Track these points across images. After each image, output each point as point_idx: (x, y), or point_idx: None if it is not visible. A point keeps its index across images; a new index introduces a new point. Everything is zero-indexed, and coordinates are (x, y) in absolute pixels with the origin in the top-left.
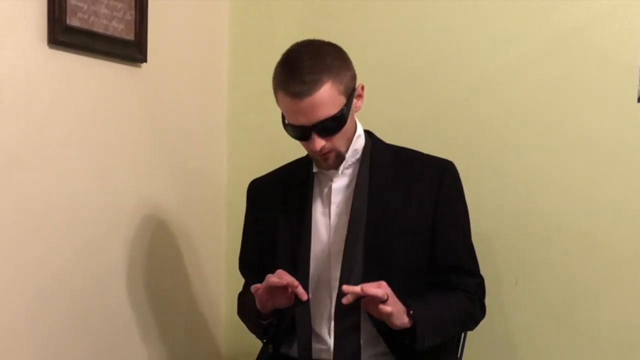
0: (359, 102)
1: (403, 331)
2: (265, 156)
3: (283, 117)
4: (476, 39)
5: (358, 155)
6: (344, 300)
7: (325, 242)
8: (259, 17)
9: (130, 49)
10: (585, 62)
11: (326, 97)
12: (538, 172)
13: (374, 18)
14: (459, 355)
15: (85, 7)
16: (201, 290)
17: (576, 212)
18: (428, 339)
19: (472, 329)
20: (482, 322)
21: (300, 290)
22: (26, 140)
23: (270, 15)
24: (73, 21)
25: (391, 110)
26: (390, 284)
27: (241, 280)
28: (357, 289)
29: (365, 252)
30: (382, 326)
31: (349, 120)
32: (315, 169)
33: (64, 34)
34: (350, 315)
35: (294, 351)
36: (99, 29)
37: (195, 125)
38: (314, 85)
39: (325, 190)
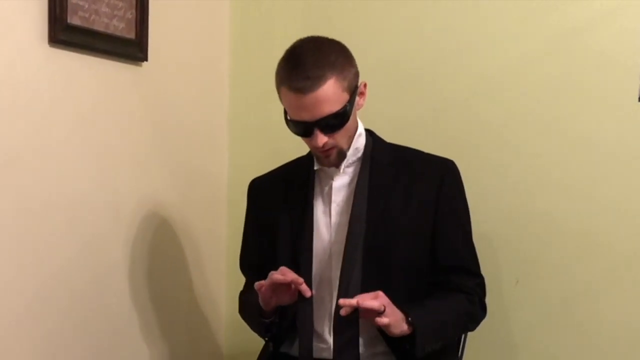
0: (361, 99)
1: (403, 337)
2: (266, 155)
3: (285, 114)
4: (476, 39)
5: (359, 154)
6: (342, 312)
7: (326, 242)
8: (260, 16)
9: (131, 48)
10: (585, 62)
11: (330, 93)
12: (539, 171)
13: (374, 18)
14: (459, 355)
15: (86, 6)
16: (202, 289)
17: (577, 211)
18: (428, 345)
19: (472, 329)
20: (482, 322)
21: (304, 287)
22: (26, 139)
23: (271, 15)
24: (74, 20)
25: (392, 109)
26: (390, 284)
27: (242, 280)
28: (353, 302)
29: (366, 252)
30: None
31: (351, 118)
32: (316, 166)
33: (64, 32)
34: (350, 315)
35: (294, 350)
36: (99, 27)
37: (196, 124)
38: (318, 81)
39: (326, 188)
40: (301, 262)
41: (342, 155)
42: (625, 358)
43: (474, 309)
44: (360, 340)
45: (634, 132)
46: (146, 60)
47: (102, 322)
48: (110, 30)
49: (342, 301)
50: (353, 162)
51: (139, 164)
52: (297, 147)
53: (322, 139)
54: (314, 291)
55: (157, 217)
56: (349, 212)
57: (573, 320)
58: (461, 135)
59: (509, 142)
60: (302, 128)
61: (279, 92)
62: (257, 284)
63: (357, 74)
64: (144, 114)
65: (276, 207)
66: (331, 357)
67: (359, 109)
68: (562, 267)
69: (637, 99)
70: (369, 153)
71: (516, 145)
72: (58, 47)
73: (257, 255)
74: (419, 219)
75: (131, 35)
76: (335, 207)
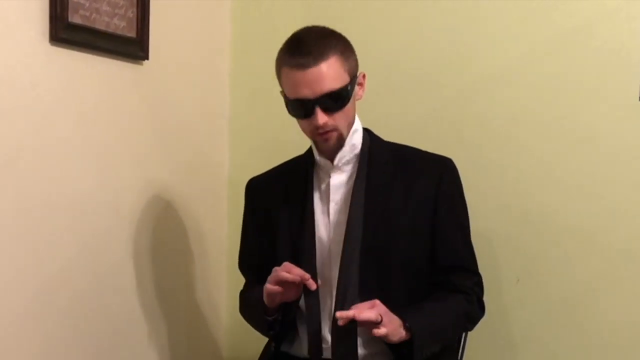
0: (361, 90)
1: (401, 342)
2: (266, 154)
3: (286, 101)
4: (477, 37)
5: (356, 151)
6: (340, 323)
7: (325, 240)
8: (261, 15)
9: (132, 47)
10: (587, 60)
11: (331, 70)
12: (539, 170)
13: (375, 17)
14: (460, 354)
15: (87, 5)
16: (202, 289)
17: (578, 210)
18: (426, 349)
19: (471, 329)
20: (483, 321)
21: (310, 281)
22: (27, 138)
23: (272, 13)
24: (75, 18)
25: (393, 108)
26: (389, 284)
27: (242, 280)
28: (350, 314)
29: (364, 252)
30: None
31: (351, 103)
32: (317, 156)
33: (65, 31)
34: (348, 324)
35: (294, 349)
36: (100, 26)
37: (197, 122)
38: (320, 56)
39: (323, 186)
40: (304, 261)
41: (341, 140)
42: (625, 356)
43: (472, 309)
44: (359, 341)
45: (635, 130)
46: (147, 59)
47: (102, 322)
48: (111, 29)
49: (339, 314)
50: (350, 160)
51: (140, 162)
52: (298, 145)
53: (322, 117)
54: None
55: (157, 216)
56: (347, 211)
57: (574, 319)
58: (462, 134)
59: (509, 141)
60: (303, 108)
61: (279, 77)
62: (271, 288)
63: (357, 63)
64: (145, 113)
65: (275, 206)
66: (330, 356)
67: (358, 99)
68: (563, 265)
69: (637, 98)
70: (367, 152)
71: (517, 143)
72: (59, 46)
73: (256, 255)
74: (418, 218)
75: (132, 33)
76: (333, 206)
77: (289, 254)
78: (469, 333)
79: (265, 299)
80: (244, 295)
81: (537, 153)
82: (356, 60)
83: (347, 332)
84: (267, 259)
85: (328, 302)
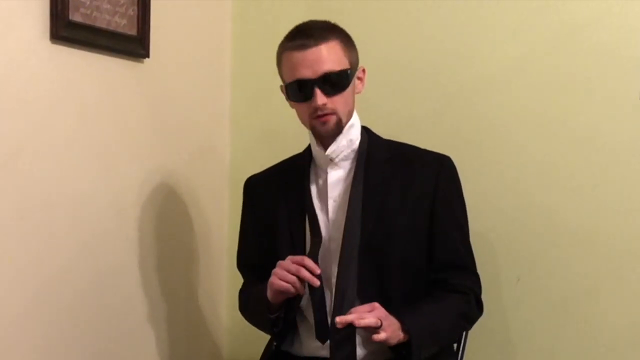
0: (360, 84)
1: (399, 344)
2: (268, 151)
3: (285, 88)
4: (479, 35)
5: (354, 146)
6: (338, 326)
7: (324, 238)
8: (262, 13)
9: (132, 45)
10: (588, 58)
11: (332, 53)
12: (541, 168)
13: (376, 16)
14: (460, 354)
15: (88, 3)
16: (203, 289)
17: (579, 209)
18: (425, 351)
19: (469, 329)
20: (483, 320)
21: (314, 279)
22: (28, 136)
23: (273, 11)
24: (75, 16)
25: (392, 106)
26: (387, 283)
27: (242, 281)
28: (349, 318)
29: (362, 250)
30: None
31: (350, 90)
32: (314, 152)
33: (66, 29)
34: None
35: (295, 349)
36: (101, 24)
37: (198, 120)
38: (321, 38)
39: (321, 182)
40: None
41: (339, 126)
42: (626, 356)
43: (470, 309)
44: (358, 340)
45: (636, 129)
46: (148, 57)
47: (102, 322)
48: (112, 27)
49: (338, 319)
50: (347, 156)
51: (140, 160)
52: (298, 143)
53: (321, 98)
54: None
55: (158, 214)
56: (346, 209)
57: (574, 319)
58: (461, 133)
59: (509, 140)
60: (302, 90)
61: (280, 66)
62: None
63: (357, 57)
64: (146, 111)
65: (273, 204)
66: (328, 355)
67: (357, 92)
68: (563, 265)
69: (638, 97)
70: (365, 149)
71: (517, 142)
72: (60, 44)
73: (256, 254)
74: (415, 216)
75: (133, 32)
76: (332, 204)
77: (288, 252)
78: (470, 333)
79: (269, 294)
80: (244, 294)
81: (537, 152)
82: (357, 55)
83: (347, 332)
84: (266, 257)
85: (327, 300)
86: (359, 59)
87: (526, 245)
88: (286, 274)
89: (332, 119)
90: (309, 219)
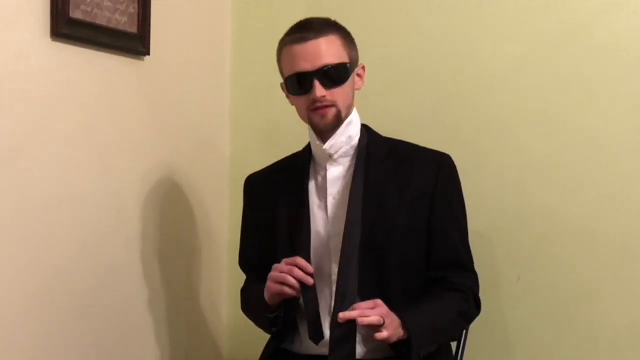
0: (360, 81)
1: (399, 341)
2: (268, 149)
3: (285, 83)
4: (479, 34)
5: (353, 143)
6: (340, 321)
7: (323, 237)
8: (262, 11)
9: (133, 42)
10: (589, 58)
11: (331, 47)
12: (541, 167)
13: (376, 15)
14: (460, 353)
15: (89, 0)
16: (203, 288)
17: (579, 208)
18: (424, 349)
19: (467, 328)
20: (484, 319)
21: (307, 278)
22: (29, 133)
23: (273, 9)
24: (76, 14)
25: (393, 104)
26: (387, 281)
27: (243, 279)
28: (353, 315)
29: (363, 248)
30: None
31: (349, 85)
32: (314, 149)
33: (67, 26)
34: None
35: (295, 347)
36: (102, 21)
37: (198, 118)
38: (321, 32)
39: (320, 180)
40: (299, 255)
41: (339, 119)
42: (626, 355)
43: (468, 308)
44: (357, 337)
45: (636, 128)
46: (148, 54)
47: (102, 321)
48: (113, 25)
49: (342, 315)
50: (347, 152)
51: (141, 159)
52: (298, 141)
53: (320, 90)
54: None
55: (158, 212)
56: (346, 206)
57: (574, 318)
58: (462, 132)
59: (510, 138)
60: (301, 83)
61: (280, 61)
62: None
63: (357, 55)
64: (146, 109)
65: (273, 202)
66: (327, 353)
67: (357, 89)
68: (564, 264)
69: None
70: (365, 147)
71: (517, 141)
72: (60, 41)
73: (256, 252)
74: (415, 214)
75: (133, 29)
76: (331, 201)
77: (287, 249)
78: (470, 331)
79: (266, 296)
80: (246, 293)
81: (538, 151)
82: (357, 52)
83: (347, 330)
84: (267, 256)
85: (327, 298)
86: (359, 57)
87: (526, 244)
88: (280, 276)
89: (331, 112)
90: (304, 217)
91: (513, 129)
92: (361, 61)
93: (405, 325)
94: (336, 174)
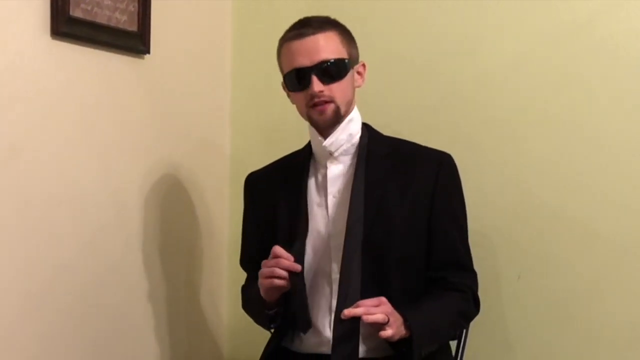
0: (360, 79)
1: (400, 340)
2: (268, 147)
3: (284, 80)
4: (481, 33)
5: (353, 141)
6: (344, 318)
7: (324, 234)
8: (262, 8)
9: (133, 41)
10: (590, 56)
11: (330, 42)
12: (542, 166)
13: (377, 13)
14: (460, 353)
15: None
16: (204, 288)
17: (579, 206)
18: (425, 348)
19: (466, 327)
20: (484, 317)
21: (294, 264)
22: (29, 132)
23: (273, 7)
24: (76, 12)
25: (393, 103)
26: (388, 279)
27: (243, 278)
28: (358, 312)
29: (364, 247)
30: None
31: (348, 81)
32: (314, 146)
33: (67, 25)
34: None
35: (295, 346)
36: (102, 20)
37: (198, 116)
38: (319, 28)
39: (320, 177)
40: (293, 254)
41: (337, 115)
42: (626, 354)
43: (468, 308)
44: (360, 336)
45: (637, 127)
46: (148, 53)
47: (102, 320)
48: (113, 23)
49: (347, 311)
50: (347, 150)
51: (141, 156)
52: (299, 139)
53: (318, 85)
54: (310, 284)
55: (158, 211)
56: (346, 204)
57: (575, 316)
58: (462, 130)
59: (510, 137)
60: (300, 79)
61: (280, 58)
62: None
63: (357, 52)
64: (146, 107)
65: (273, 200)
66: (329, 350)
67: (357, 86)
68: (564, 263)
69: None
70: (366, 145)
71: (518, 139)
72: (60, 40)
73: (256, 250)
74: (415, 214)
75: (133, 28)
76: (331, 199)
77: (286, 247)
78: (470, 330)
79: (262, 294)
80: (245, 290)
81: (538, 149)
82: (357, 49)
83: (350, 327)
84: (267, 253)
85: (328, 297)
86: (359, 54)
87: (527, 243)
88: (268, 270)
89: (330, 108)
90: (302, 214)
91: (513, 129)
92: (361, 59)
93: (407, 323)
94: (336, 172)
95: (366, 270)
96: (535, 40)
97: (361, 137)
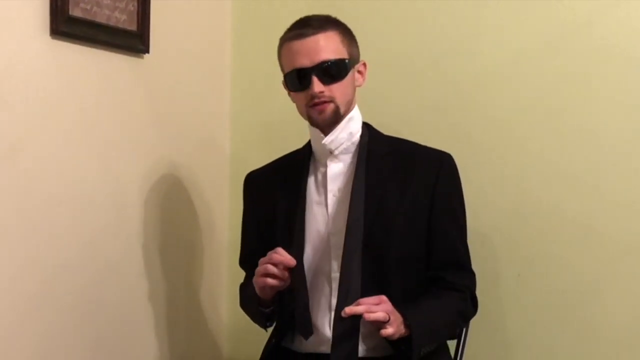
0: (361, 78)
1: (399, 339)
2: (267, 146)
3: (285, 80)
4: (481, 31)
5: (353, 139)
6: (344, 316)
7: (323, 232)
8: (262, 7)
9: (132, 40)
10: (590, 55)
11: (330, 42)
12: (541, 165)
13: (377, 13)
14: (460, 352)
15: None
16: (203, 287)
17: (579, 205)
18: (424, 347)
19: (464, 327)
20: (483, 316)
21: (290, 259)
22: (29, 131)
23: (273, 6)
24: (75, 12)
25: (395, 102)
26: (387, 279)
27: (243, 277)
28: (359, 310)
29: (364, 246)
30: None
31: (349, 80)
32: (314, 145)
33: (66, 24)
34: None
35: (295, 345)
36: (101, 19)
37: (198, 116)
38: (320, 28)
39: (320, 176)
40: (292, 252)
41: (337, 115)
42: (626, 353)
43: (466, 308)
44: (360, 336)
45: (637, 126)
46: (148, 52)
47: (102, 319)
48: (112, 22)
49: (348, 309)
50: (347, 149)
51: (141, 156)
52: (299, 138)
53: (318, 85)
54: (310, 283)
55: (158, 210)
56: (346, 203)
57: (574, 315)
58: (462, 130)
59: (510, 136)
60: (299, 78)
61: (280, 58)
62: (257, 280)
63: (358, 51)
64: (145, 107)
65: (272, 199)
66: (329, 349)
67: (357, 85)
68: (564, 262)
69: None
70: (365, 144)
71: (518, 139)
72: (59, 39)
73: (256, 249)
74: (415, 213)
75: (133, 27)
76: (331, 198)
77: (286, 245)
78: (470, 329)
79: (257, 292)
80: (244, 290)
81: (538, 149)
82: (357, 49)
83: (350, 326)
84: (266, 252)
85: (327, 295)
86: (359, 54)
87: (526, 242)
88: (261, 268)
89: (329, 108)
90: (300, 213)
91: (513, 128)
92: (362, 58)
93: (407, 322)
94: (336, 171)
95: (366, 269)
96: (535, 40)
97: (361, 136)
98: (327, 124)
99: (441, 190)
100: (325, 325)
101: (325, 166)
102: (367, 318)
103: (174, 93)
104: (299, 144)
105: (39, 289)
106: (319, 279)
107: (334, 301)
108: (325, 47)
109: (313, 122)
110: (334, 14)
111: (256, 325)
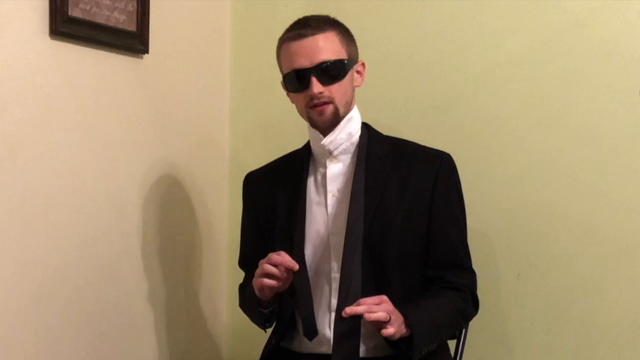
0: (360, 78)
1: (400, 338)
2: (267, 146)
3: (284, 80)
4: (479, 31)
5: (353, 140)
6: (345, 316)
7: (323, 233)
8: (261, 7)
9: (132, 40)
10: (589, 55)
11: (329, 42)
12: (541, 165)
13: (376, 13)
14: (460, 351)
15: None
16: (203, 287)
17: (579, 205)
18: (425, 347)
19: (465, 326)
20: (483, 316)
21: (292, 263)
22: (28, 132)
23: (273, 6)
24: (75, 12)
25: (394, 102)
26: (388, 278)
27: (242, 277)
28: (360, 310)
29: (364, 246)
30: None
31: (348, 81)
32: (313, 146)
33: (65, 25)
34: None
35: (295, 345)
36: (100, 20)
37: (197, 116)
38: (319, 29)
39: (319, 176)
40: (294, 252)
41: (337, 116)
42: (626, 353)
43: (466, 307)
44: (360, 336)
45: (636, 125)
46: (147, 52)
47: (101, 319)
48: (111, 23)
49: (348, 309)
50: (347, 149)
51: (140, 156)
52: (299, 138)
53: (317, 86)
54: (310, 282)
55: (157, 210)
56: (346, 203)
57: (574, 315)
58: (463, 129)
59: (510, 136)
60: (298, 79)
61: (279, 58)
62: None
63: (357, 51)
64: (145, 107)
65: (272, 199)
66: (330, 350)
67: (357, 85)
68: (564, 261)
69: (639, 92)
70: (365, 145)
71: (518, 138)
72: (59, 40)
73: (255, 249)
74: (414, 213)
75: (132, 27)
76: (331, 198)
77: (284, 245)
78: (469, 328)
79: (257, 293)
80: (243, 290)
81: (538, 148)
82: (356, 49)
83: (351, 326)
84: (266, 252)
85: (327, 296)
86: (358, 54)
87: (526, 242)
88: (259, 269)
89: (329, 109)
90: (299, 214)
91: (512, 128)
92: (361, 58)
93: (407, 322)
94: (335, 171)
95: (366, 269)
96: (535, 40)
97: (361, 137)
98: (327, 125)
99: (441, 190)
100: (326, 326)
101: (325, 167)
102: (368, 318)
103: (173, 93)
104: (298, 144)
105: (38, 289)
106: (319, 280)
107: (334, 301)
108: (325, 47)
109: (313, 123)
110: (333, 14)
111: (256, 326)
